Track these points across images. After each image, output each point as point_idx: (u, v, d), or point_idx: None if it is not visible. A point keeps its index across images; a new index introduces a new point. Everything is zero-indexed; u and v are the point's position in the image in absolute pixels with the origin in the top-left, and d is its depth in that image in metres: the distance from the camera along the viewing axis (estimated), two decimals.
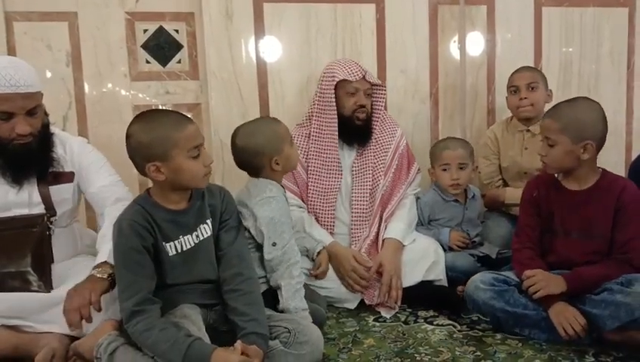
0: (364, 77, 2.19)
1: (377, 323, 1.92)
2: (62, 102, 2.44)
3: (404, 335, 1.82)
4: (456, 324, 1.89)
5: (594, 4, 2.85)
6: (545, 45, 2.83)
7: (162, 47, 2.54)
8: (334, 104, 2.18)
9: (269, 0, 2.52)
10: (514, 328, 1.76)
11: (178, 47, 2.56)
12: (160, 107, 2.53)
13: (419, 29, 2.69)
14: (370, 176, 2.23)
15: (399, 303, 2.01)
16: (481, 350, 1.69)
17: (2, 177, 1.67)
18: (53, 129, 1.78)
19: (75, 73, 2.45)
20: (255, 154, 1.75)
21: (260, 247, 1.71)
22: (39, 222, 1.69)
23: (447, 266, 2.13)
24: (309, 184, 2.20)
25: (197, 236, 1.54)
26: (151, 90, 2.55)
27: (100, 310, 1.50)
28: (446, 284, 2.13)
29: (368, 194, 2.22)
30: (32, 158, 1.68)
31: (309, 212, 2.19)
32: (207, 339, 1.42)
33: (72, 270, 1.71)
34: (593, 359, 1.61)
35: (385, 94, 2.32)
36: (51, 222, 1.72)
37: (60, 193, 1.75)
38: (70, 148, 1.78)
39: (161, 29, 2.53)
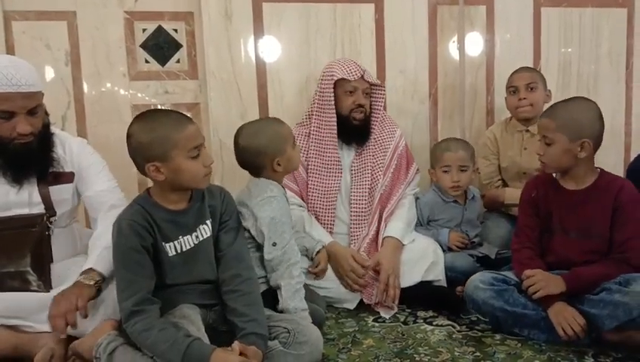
0: (362, 76, 2.19)
1: (377, 324, 1.92)
2: (61, 102, 2.44)
3: (404, 335, 1.82)
4: (455, 325, 1.89)
5: (593, 4, 2.86)
6: (544, 46, 2.83)
7: (161, 46, 2.54)
8: (333, 103, 2.19)
9: (268, 0, 2.52)
10: (513, 328, 1.77)
11: (177, 46, 2.56)
12: (159, 107, 2.53)
13: (418, 29, 2.69)
14: (369, 175, 2.23)
15: (397, 302, 2.01)
16: (481, 350, 1.69)
17: (3, 177, 1.67)
18: (53, 129, 1.78)
19: (74, 72, 2.45)
20: (257, 155, 1.75)
21: (260, 247, 1.71)
22: (39, 221, 1.69)
23: (447, 267, 2.13)
24: (309, 183, 2.20)
25: (196, 236, 1.53)
26: (150, 89, 2.54)
27: (86, 316, 1.51)
28: (445, 285, 2.13)
29: (367, 194, 2.22)
30: (33, 158, 1.68)
31: (309, 211, 2.19)
32: (206, 339, 1.42)
33: (71, 270, 1.71)
34: (592, 359, 1.61)
35: (384, 94, 2.32)
36: (51, 222, 1.72)
37: (60, 193, 1.75)
38: (70, 148, 1.78)
39: (160, 29, 2.53)
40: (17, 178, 1.67)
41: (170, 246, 1.49)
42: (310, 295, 1.80)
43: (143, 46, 2.52)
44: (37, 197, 1.70)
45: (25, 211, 1.69)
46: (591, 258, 1.76)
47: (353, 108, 2.20)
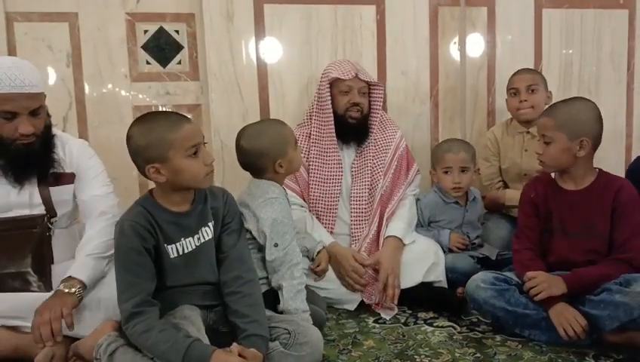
0: (356, 75, 2.20)
1: (377, 325, 1.92)
2: (62, 103, 2.44)
3: (404, 336, 1.82)
4: (456, 326, 1.89)
5: (594, 5, 2.86)
6: (545, 47, 2.83)
7: (163, 47, 2.54)
8: (330, 103, 2.20)
9: (269, 1, 2.52)
10: (514, 328, 1.76)
11: (178, 48, 2.56)
12: (160, 108, 2.54)
13: (419, 31, 2.69)
14: (369, 175, 2.24)
15: (396, 301, 2.01)
16: (481, 352, 1.69)
17: (4, 177, 1.67)
18: (54, 130, 1.78)
19: (76, 74, 2.45)
20: (259, 156, 1.75)
21: (261, 248, 1.71)
22: (39, 222, 1.69)
23: (447, 268, 2.13)
24: (311, 183, 2.21)
25: (198, 239, 1.53)
26: (151, 90, 2.55)
27: (71, 324, 1.50)
28: (446, 286, 2.13)
29: (366, 194, 2.22)
30: (34, 159, 1.68)
31: (310, 211, 2.20)
32: (206, 340, 1.42)
33: None
34: (593, 361, 1.61)
35: (382, 93, 2.31)
36: (51, 223, 1.72)
37: (61, 194, 1.75)
38: (70, 150, 1.78)
39: (161, 30, 2.53)
40: (19, 179, 1.68)
41: (172, 248, 1.49)
42: (311, 296, 1.80)
43: (145, 47, 2.52)
44: (37, 198, 1.71)
45: (25, 212, 1.70)
46: (591, 258, 1.76)
47: (348, 107, 2.21)
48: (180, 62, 2.57)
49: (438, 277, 2.12)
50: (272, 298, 1.69)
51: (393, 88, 2.68)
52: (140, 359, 1.39)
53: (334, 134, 2.21)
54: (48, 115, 1.75)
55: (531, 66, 2.72)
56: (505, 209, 2.44)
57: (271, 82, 2.56)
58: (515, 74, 2.45)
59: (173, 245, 1.49)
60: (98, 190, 1.78)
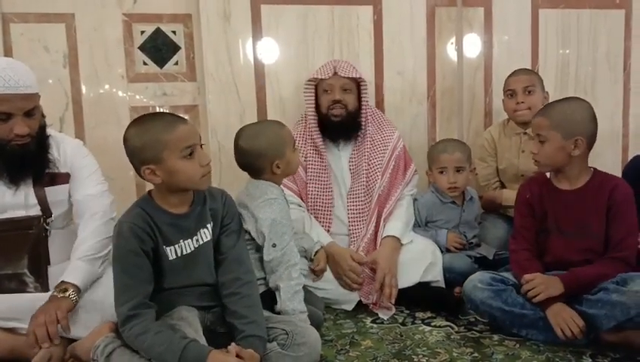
0: (335, 72, 2.20)
1: (375, 325, 1.92)
2: (59, 104, 2.44)
3: (402, 336, 1.82)
4: (453, 326, 1.89)
5: (590, 6, 2.86)
6: (542, 47, 2.84)
7: (159, 48, 2.53)
8: (313, 105, 2.25)
9: (266, 2, 2.52)
10: (511, 328, 1.77)
11: (175, 48, 2.56)
12: (157, 109, 2.54)
13: (416, 31, 2.69)
14: (365, 175, 2.24)
15: (393, 301, 2.01)
16: (479, 351, 1.69)
17: None
18: (49, 130, 1.77)
19: (72, 74, 2.45)
20: (257, 157, 1.75)
21: (259, 249, 1.71)
22: (35, 223, 1.69)
23: (445, 268, 2.13)
24: (308, 183, 2.21)
25: (197, 240, 1.53)
26: (148, 91, 2.54)
27: (67, 327, 1.50)
28: (443, 286, 2.13)
29: (363, 193, 2.22)
30: (30, 160, 1.68)
31: (308, 210, 2.20)
32: (203, 341, 1.41)
33: None
34: (590, 360, 1.62)
35: (366, 86, 2.28)
36: (47, 224, 1.72)
37: (56, 194, 1.74)
38: (64, 149, 1.77)
39: (158, 31, 2.53)
40: (14, 179, 1.67)
41: (170, 249, 1.48)
42: (308, 296, 1.80)
43: (142, 48, 2.52)
44: (33, 198, 1.70)
45: (21, 213, 1.69)
46: (587, 257, 1.77)
47: (329, 105, 2.22)
48: (177, 63, 2.56)
49: (436, 276, 2.12)
50: (269, 298, 1.69)
51: (390, 89, 2.68)
52: (137, 360, 1.39)
53: (320, 134, 2.23)
54: (43, 116, 1.74)
55: (528, 66, 2.72)
56: (502, 209, 2.44)
57: (268, 82, 2.56)
58: (511, 75, 2.45)
59: (172, 247, 1.49)
60: (92, 189, 1.78)
